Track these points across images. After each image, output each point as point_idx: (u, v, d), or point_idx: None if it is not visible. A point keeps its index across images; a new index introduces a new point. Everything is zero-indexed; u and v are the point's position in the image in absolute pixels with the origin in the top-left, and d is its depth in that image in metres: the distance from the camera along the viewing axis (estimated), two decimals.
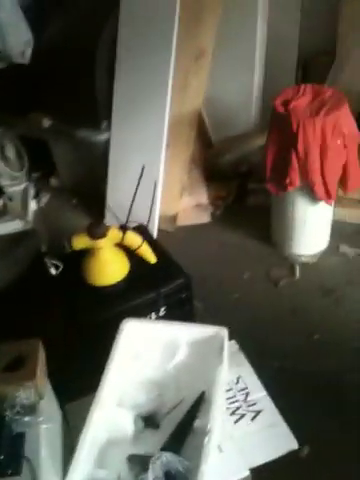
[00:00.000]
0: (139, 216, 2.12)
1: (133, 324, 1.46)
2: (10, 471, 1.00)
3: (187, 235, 2.53)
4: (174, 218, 2.55)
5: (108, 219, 2.54)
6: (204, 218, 2.58)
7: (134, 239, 1.72)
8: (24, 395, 1.05)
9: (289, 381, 1.81)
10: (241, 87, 2.75)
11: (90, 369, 1.39)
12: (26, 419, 1.04)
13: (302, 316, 2.11)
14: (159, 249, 1.86)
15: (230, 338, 1.53)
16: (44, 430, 1.05)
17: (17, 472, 1.00)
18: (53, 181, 2.97)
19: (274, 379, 1.51)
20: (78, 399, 1.45)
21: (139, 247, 1.73)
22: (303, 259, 2.36)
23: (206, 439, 1.19)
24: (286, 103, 2.08)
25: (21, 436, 1.05)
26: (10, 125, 2.74)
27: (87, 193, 2.75)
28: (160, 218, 2.48)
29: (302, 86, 2.16)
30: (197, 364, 1.44)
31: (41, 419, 1.06)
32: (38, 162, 2.88)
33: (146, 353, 1.46)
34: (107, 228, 1.66)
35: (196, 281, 1.88)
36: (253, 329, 2.00)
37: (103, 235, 1.65)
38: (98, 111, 2.46)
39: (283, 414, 1.40)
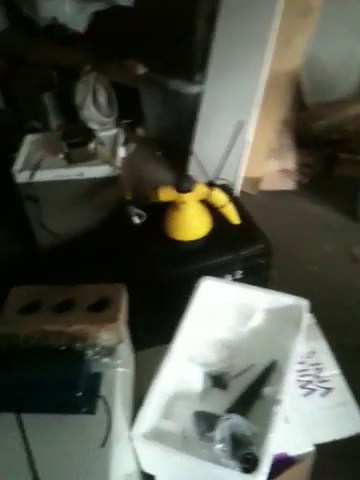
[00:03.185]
0: (223, 175, 2.07)
1: (211, 282, 1.44)
2: (85, 409, 1.03)
3: (269, 200, 2.46)
4: (258, 181, 2.48)
5: (192, 173, 2.51)
6: (289, 185, 2.49)
7: (220, 197, 1.68)
8: (105, 336, 1.07)
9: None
10: (345, 51, 2.59)
11: (162, 321, 1.39)
12: (105, 360, 1.07)
13: None
14: (243, 211, 1.81)
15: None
16: (120, 374, 1.07)
17: (92, 411, 1.03)
18: (140, 131, 2.97)
19: (348, 358, 1.45)
20: (147, 349, 1.47)
21: (224, 206, 1.69)
22: None
23: (275, 407, 1.17)
24: None
25: (99, 376, 1.07)
26: (104, 70, 2.73)
27: (172, 146, 2.72)
28: (244, 179, 2.43)
29: None
30: (272, 332, 1.41)
31: (119, 362, 1.07)
32: (127, 110, 2.87)
33: (221, 313, 1.44)
34: (195, 183, 1.63)
35: (274, 248, 1.82)
36: (329, 304, 1.93)
37: (190, 189, 1.62)
38: (193, 63, 2.40)
39: (355, 395, 1.35)
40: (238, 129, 1.98)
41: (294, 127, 2.58)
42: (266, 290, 1.46)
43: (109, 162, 1.92)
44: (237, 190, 2.39)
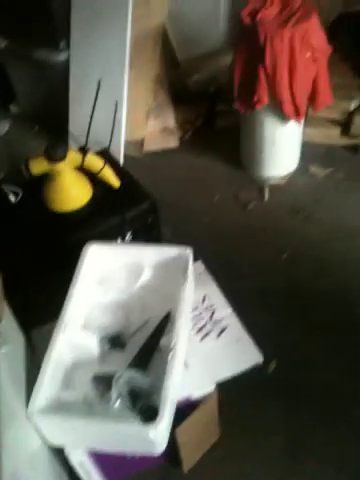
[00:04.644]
0: (104, 140, 2.04)
1: (96, 248, 1.43)
2: None
3: (154, 160, 2.46)
4: (141, 143, 2.47)
5: (71, 145, 2.44)
6: (172, 142, 2.50)
7: (95, 162, 1.65)
8: None
9: (257, 299, 1.83)
10: (208, 1, 2.60)
11: (56, 296, 1.37)
12: None
13: (271, 237, 2.11)
14: (123, 173, 1.80)
15: (197, 259, 1.52)
16: (4, 354, 1.03)
17: None
18: (13, 108, 2.83)
19: (242, 298, 1.52)
20: (43, 325, 1.44)
21: (101, 170, 1.66)
22: (272, 181, 2.33)
23: (170, 355, 1.20)
24: (254, 14, 1.96)
25: None
26: None
27: (49, 119, 2.62)
28: (126, 143, 2.40)
29: None
30: (162, 284, 1.43)
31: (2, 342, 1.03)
32: None
33: (111, 276, 1.44)
34: (66, 150, 1.59)
35: (164, 207, 1.84)
36: (222, 251, 2.00)
37: (62, 158, 1.57)
38: (55, 29, 2.30)
39: (251, 331, 1.41)
40: (98, 87, 1.94)
41: (169, 84, 2.57)
42: (151, 245, 1.47)
43: None
44: (120, 155, 2.36)
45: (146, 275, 1.43)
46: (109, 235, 1.70)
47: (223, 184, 2.36)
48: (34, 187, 1.71)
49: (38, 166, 1.60)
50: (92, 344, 1.32)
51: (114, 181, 1.71)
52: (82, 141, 2.00)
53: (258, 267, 1.99)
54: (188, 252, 1.40)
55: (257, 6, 1.99)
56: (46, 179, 1.67)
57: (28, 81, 2.63)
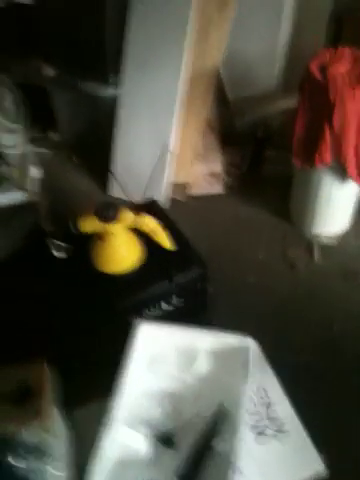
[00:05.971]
0: (145, 182, 1.92)
1: (148, 328, 1.30)
2: None
3: (199, 206, 2.34)
4: (186, 187, 2.34)
5: (112, 185, 2.34)
6: (218, 188, 2.37)
7: (149, 223, 1.52)
8: (28, 435, 0.90)
9: (304, 378, 1.68)
10: (264, 42, 2.47)
11: (99, 367, 1.25)
12: (30, 463, 0.90)
13: (321, 303, 1.96)
14: (174, 230, 1.67)
15: (245, 329, 1.37)
16: (51, 474, 0.90)
17: None
18: (52, 135, 2.72)
19: (289, 374, 1.37)
20: (87, 403, 1.32)
21: (154, 232, 1.54)
22: (323, 240, 2.19)
23: (229, 471, 1.07)
24: (323, 68, 1.84)
25: None
26: (9, 70, 2.45)
27: (89, 152, 2.52)
28: (171, 186, 2.28)
29: (340, 49, 1.91)
30: (218, 374, 1.30)
31: (47, 460, 0.91)
32: (36, 114, 2.62)
33: (162, 361, 1.31)
34: (119, 210, 1.46)
35: (207, 258, 1.71)
36: (267, 317, 1.86)
37: (114, 218, 1.45)
38: (107, 63, 2.19)
39: (304, 422, 1.27)
40: (164, 151, 1.82)
41: (218, 126, 2.45)
42: (209, 331, 1.34)
43: (21, 186, 1.70)
44: (165, 198, 2.25)
45: (200, 363, 1.30)
46: (155, 301, 1.58)
47: (270, 238, 2.22)
48: (80, 242, 1.58)
49: (88, 225, 1.47)
50: (140, 442, 1.19)
51: (166, 243, 1.58)
52: (124, 181, 1.89)
53: (306, 339, 1.84)
54: (250, 343, 1.27)
55: (326, 59, 1.87)
56: (95, 236, 1.54)
57: (72, 111, 2.53)
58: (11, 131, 2.57)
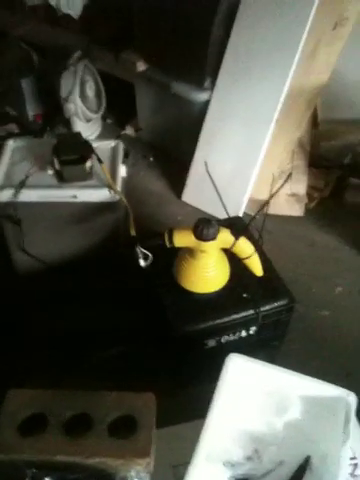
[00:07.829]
0: (225, 195, 1.83)
1: (239, 361, 1.21)
2: None
3: (274, 225, 2.23)
4: (264, 204, 2.24)
5: (187, 191, 2.26)
6: (297, 211, 2.26)
7: (245, 248, 1.44)
8: (133, 473, 0.82)
9: None
10: None
11: (172, 383, 1.17)
12: None
13: None
14: (260, 253, 1.58)
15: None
16: None
17: None
18: (129, 129, 2.66)
19: None
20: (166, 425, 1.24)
21: (247, 257, 1.45)
22: None
23: None
24: None
25: None
26: (97, 59, 2.40)
27: (167, 153, 2.44)
28: (249, 201, 2.19)
29: None
30: (306, 424, 1.20)
31: None
32: (116, 106, 2.57)
33: (249, 399, 1.22)
34: (218, 230, 1.38)
35: None
36: (340, 359, 1.75)
37: (214, 238, 1.37)
38: (205, 67, 2.10)
39: None
40: (206, 169, 1.77)
41: (308, 147, 2.34)
42: (305, 376, 1.24)
43: (109, 185, 1.63)
44: (240, 212, 2.16)
45: (293, 409, 1.21)
46: (237, 326, 1.49)
47: (347, 271, 2.10)
48: (162, 253, 1.50)
49: (183, 239, 1.40)
50: None
51: (258, 270, 1.49)
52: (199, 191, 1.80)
53: None
54: (352, 399, 1.16)
55: None
56: (184, 252, 1.47)
57: (155, 110, 2.45)
58: (89, 119, 2.52)
